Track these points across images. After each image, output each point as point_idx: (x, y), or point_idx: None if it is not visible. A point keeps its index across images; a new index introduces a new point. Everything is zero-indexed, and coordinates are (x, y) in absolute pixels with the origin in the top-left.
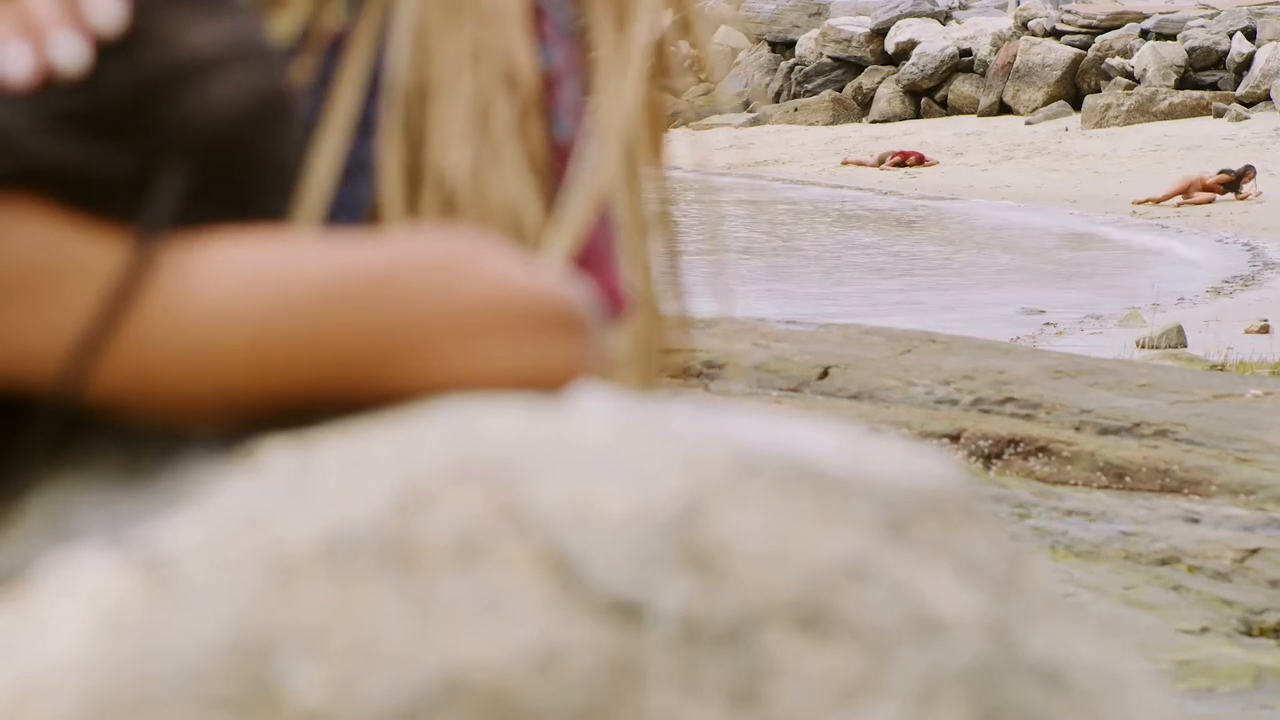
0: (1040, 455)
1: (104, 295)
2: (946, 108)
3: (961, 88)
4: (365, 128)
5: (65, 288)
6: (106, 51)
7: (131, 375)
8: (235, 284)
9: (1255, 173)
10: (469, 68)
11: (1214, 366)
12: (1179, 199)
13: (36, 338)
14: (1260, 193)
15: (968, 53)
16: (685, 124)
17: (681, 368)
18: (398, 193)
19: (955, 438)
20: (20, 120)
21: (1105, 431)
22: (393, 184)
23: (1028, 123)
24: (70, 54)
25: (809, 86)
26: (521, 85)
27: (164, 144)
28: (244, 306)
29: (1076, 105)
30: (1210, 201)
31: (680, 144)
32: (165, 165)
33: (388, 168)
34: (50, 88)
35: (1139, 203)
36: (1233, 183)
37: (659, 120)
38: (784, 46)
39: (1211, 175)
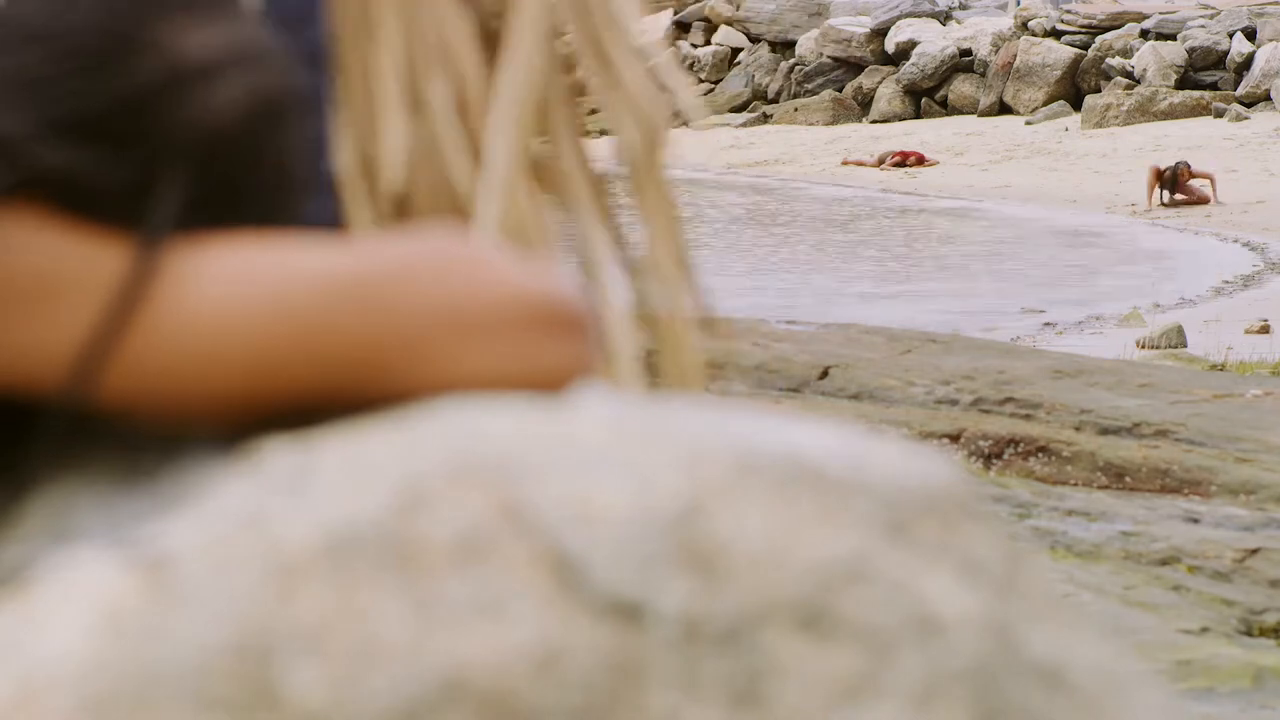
0: (1040, 455)
1: (108, 302)
2: (946, 108)
3: (961, 88)
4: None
5: (70, 295)
6: (105, 59)
7: (136, 380)
8: (238, 289)
9: (1188, 167)
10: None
11: (1214, 366)
12: (1166, 198)
13: (42, 345)
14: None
15: (968, 53)
16: (686, 124)
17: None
18: (359, 190)
19: (955, 438)
20: (21, 129)
21: (1105, 431)
22: (352, 181)
23: (1028, 123)
24: None
25: (809, 86)
26: (456, 62)
27: (164, 150)
28: (248, 311)
29: (1076, 105)
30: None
31: (683, 144)
32: (166, 171)
33: (343, 163)
34: (51, 95)
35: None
36: (1170, 179)
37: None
38: (784, 46)
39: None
